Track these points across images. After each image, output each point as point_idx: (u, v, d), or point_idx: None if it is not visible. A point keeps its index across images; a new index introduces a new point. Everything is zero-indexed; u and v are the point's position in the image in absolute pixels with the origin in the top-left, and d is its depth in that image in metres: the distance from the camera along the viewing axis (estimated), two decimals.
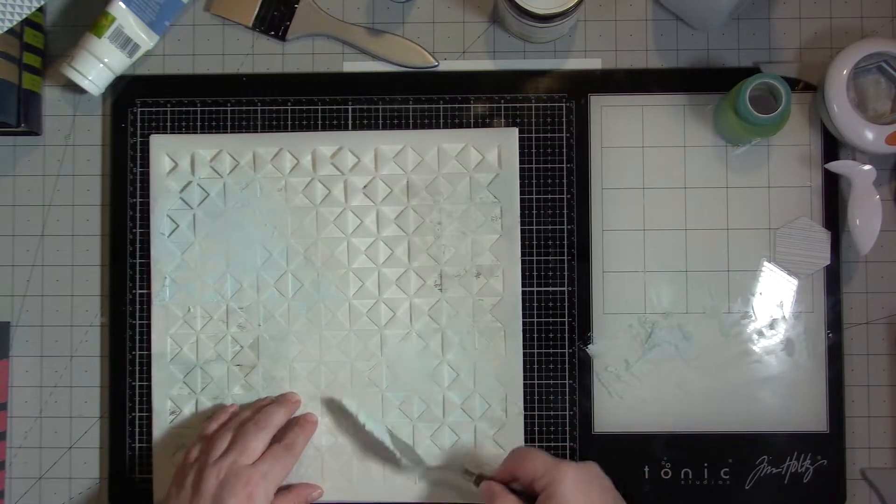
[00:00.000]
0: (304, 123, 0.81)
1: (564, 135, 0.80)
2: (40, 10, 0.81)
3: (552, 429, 0.79)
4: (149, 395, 0.80)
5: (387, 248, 0.80)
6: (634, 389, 0.79)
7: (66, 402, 0.82)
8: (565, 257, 0.80)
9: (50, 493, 0.81)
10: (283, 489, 0.77)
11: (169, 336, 0.80)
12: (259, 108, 0.81)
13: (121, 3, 0.78)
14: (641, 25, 0.82)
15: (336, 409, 0.79)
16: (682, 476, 0.79)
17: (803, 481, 0.78)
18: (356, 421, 0.78)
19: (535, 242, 0.80)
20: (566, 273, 0.80)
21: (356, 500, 0.79)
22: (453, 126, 0.81)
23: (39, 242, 0.82)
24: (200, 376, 0.80)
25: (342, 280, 0.80)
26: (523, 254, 0.80)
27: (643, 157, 0.81)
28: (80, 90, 0.80)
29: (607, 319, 0.80)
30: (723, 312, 0.80)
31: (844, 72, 0.76)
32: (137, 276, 0.81)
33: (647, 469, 0.79)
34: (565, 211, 0.80)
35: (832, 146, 0.80)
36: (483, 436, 0.79)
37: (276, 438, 0.76)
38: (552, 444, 0.79)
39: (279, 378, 0.80)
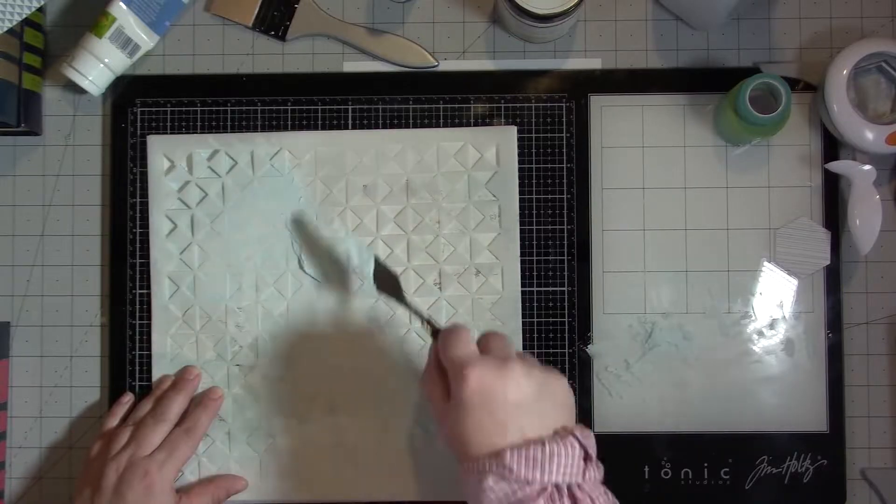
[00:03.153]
0: (304, 123, 0.81)
1: (564, 135, 0.80)
2: (40, 10, 0.81)
3: None
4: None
5: (386, 246, 0.80)
6: (634, 389, 0.79)
7: (66, 402, 0.82)
8: (565, 257, 0.80)
9: (50, 493, 0.81)
10: (203, 481, 0.78)
11: (169, 336, 0.80)
12: (259, 108, 0.81)
13: (121, 4, 0.78)
14: (641, 25, 0.82)
15: (299, 225, 0.79)
16: (682, 476, 0.79)
17: (803, 481, 0.78)
18: (320, 242, 0.77)
19: (534, 242, 0.80)
20: (566, 273, 0.80)
21: (351, 499, 0.79)
22: (453, 126, 0.81)
23: (39, 242, 0.82)
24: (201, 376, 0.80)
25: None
26: (523, 254, 0.80)
27: (643, 157, 0.81)
28: (80, 90, 0.80)
29: (607, 319, 0.80)
30: (723, 312, 0.80)
31: (844, 72, 0.76)
32: (137, 276, 0.81)
33: (647, 469, 0.79)
34: (565, 211, 0.80)
35: (832, 146, 0.80)
36: None
37: (179, 422, 0.77)
38: None
39: (279, 378, 0.80)
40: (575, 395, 0.79)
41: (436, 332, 0.68)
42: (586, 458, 0.62)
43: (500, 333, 0.67)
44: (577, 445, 0.61)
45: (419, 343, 0.80)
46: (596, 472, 0.63)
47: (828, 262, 0.79)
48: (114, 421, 0.78)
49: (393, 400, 0.79)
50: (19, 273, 0.82)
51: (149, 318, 0.81)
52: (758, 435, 0.79)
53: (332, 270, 0.79)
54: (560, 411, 0.64)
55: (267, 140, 0.81)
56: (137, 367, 0.81)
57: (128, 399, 0.80)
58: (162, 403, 0.77)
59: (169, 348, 0.80)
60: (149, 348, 0.80)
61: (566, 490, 0.60)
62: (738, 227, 0.80)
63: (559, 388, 0.65)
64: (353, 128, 0.81)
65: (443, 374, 0.65)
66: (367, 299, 0.80)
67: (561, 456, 0.60)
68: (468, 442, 0.62)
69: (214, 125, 0.81)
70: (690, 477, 0.79)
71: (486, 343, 0.66)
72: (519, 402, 0.62)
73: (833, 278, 0.79)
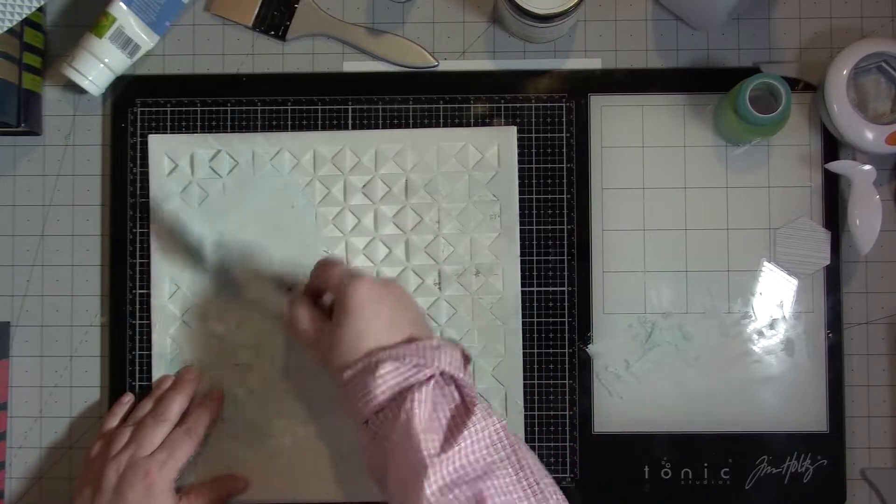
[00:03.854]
0: (304, 123, 0.81)
1: (564, 135, 0.80)
2: (40, 10, 0.81)
3: (552, 429, 0.79)
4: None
5: (385, 247, 0.80)
6: (634, 389, 0.79)
7: (66, 402, 0.82)
8: (565, 257, 0.80)
9: (50, 493, 0.81)
10: (204, 481, 0.78)
11: (169, 336, 0.80)
12: (259, 108, 0.81)
13: (121, 4, 0.78)
14: (641, 25, 0.82)
15: (159, 219, 0.80)
16: (682, 476, 0.79)
17: (803, 481, 0.78)
18: (175, 225, 0.79)
19: (534, 242, 0.80)
20: (566, 273, 0.80)
21: (350, 499, 0.79)
22: (453, 126, 0.81)
23: (39, 242, 0.82)
24: None
25: None
26: (523, 254, 0.80)
27: (643, 157, 0.81)
28: (80, 90, 0.80)
29: (607, 319, 0.80)
30: (723, 312, 0.80)
31: (844, 72, 0.76)
32: (137, 276, 0.81)
33: (647, 469, 0.79)
34: (565, 211, 0.80)
35: (832, 146, 0.80)
36: None
37: (179, 422, 0.77)
38: (552, 443, 0.79)
39: (279, 378, 0.80)
40: (575, 395, 0.79)
41: (289, 287, 0.75)
42: (466, 361, 0.69)
43: (332, 259, 0.73)
44: (457, 348, 0.68)
45: None
46: (471, 379, 0.70)
47: (828, 262, 0.79)
48: (114, 421, 0.78)
49: None
50: (19, 273, 0.82)
51: (149, 318, 0.81)
52: (758, 435, 0.79)
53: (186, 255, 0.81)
54: (406, 313, 0.70)
55: (267, 140, 0.81)
56: (137, 367, 0.81)
57: (128, 399, 0.80)
58: (162, 403, 0.77)
59: (169, 348, 0.80)
60: (149, 348, 0.80)
61: (452, 380, 0.66)
62: (738, 227, 0.80)
63: (424, 313, 0.73)
64: (353, 128, 0.81)
65: (312, 307, 0.71)
66: None
67: (447, 349, 0.67)
68: (358, 344, 0.66)
69: (214, 125, 0.81)
70: (690, 477, 0.79)
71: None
72: (405, 306, 0.69)
73: (833, 278, 0.79)
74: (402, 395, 0.64)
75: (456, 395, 0.65)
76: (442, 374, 0.66)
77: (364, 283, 0.68)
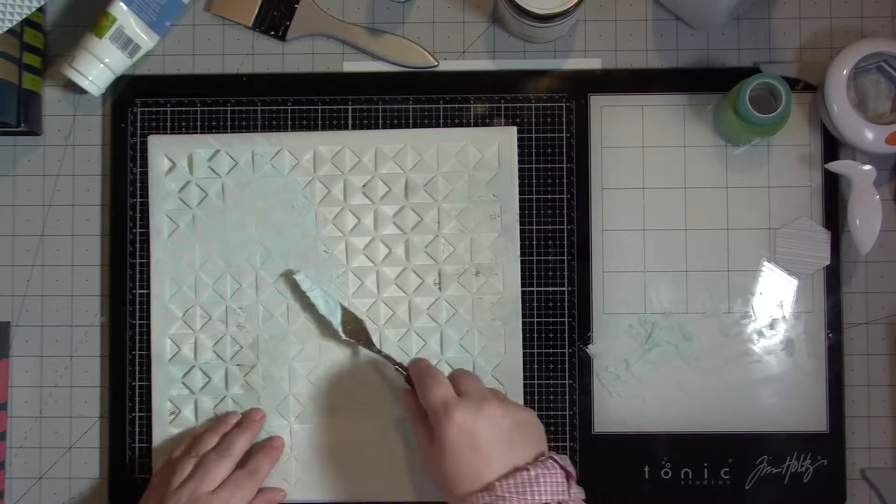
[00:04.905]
0: (304, 123, 0.81)
1: (564, 135, 0.80)
2: (40, 10, 0.81)
3: (552, 429, 0.79)
4: (149, 395, 0.80)
5: (385, 247, 0.80)
6: (634, 389, 0.79)
7: (66, 402, 0.82)
8: (565, 257, 0.80)
9: (50, 493, 0.81)
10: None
11: (168, 336, 0.80)
12: (259, 108, 0.81)
13: (122, 4, 0.78)
14: (641, 25, 0.82)
15: (292, 285, 0.80)
16: (682, 476, 0.79)
17: (803, 481, 0.78)
18: (307, 295, 0.79)
19: (534, 242, 0.80)
20: (566, 273, 0.80)
21: (351, 499, 0.79)
22: (453, 126, 0.81)
23: (39, 242, 0.82)
24: (200, 376, 0.80)
25: (341, 279, 0.80)
26: (523, 254, 0.80)
27: (643, 157, 0.81)
28: (80, 90, 0.80)
29: (607, 319, 0.80)
30: (723, 312, 0.80)
31: (844, 72, 0.76)
32: (137, 276, 0.81)
33: (647, 469, 0.79)
34: (565, 211, 0.80)
35: (832, 146, 0.80)
36: None
37: (241, 463, 0.76)
38: (552, 444, 0.79)
39: (279, 378, 0.80)
40: (575, 395, 0.79)
41: (408, 378, 0.74)
42: (567, 476, 0.67)
43: (470, 373, 0.73)
44: (557, 466, 0.67)
45: (419, 342, 0.80)
46: (579, 490, 0.68)
47: (828, 262, 0.79)
48: (180, 453, 0.78)
49: (393, 400, 0.79)
50: (19, 273, 0.82)
51: (149, 318, 0.81)
52: (758, 435, 0.79)
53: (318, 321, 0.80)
54: (535, 440, 0.70)
55: (267, 140, 0.81)
56: (137, 367, 0.81)
57: (199, 433, 0.79)
58: (227, 440, 0.76)
59: (169, 348, 0.80)
60: (149, 348, 0.80)
61: None
62: (738, 227, 0.80)
63: (531, 419, 0.70)
64: (353, 128, 0.81)
65: (423, 417, 0.70)
66: (366, 298, 0.80)
67: (545, 477, 0.66)
68: (457, 480, 0.67)
69: (214, 125, 0.81)
70: (690, 477, 0.79)
71: (458, 383, 0.71)
72: (500, 437, 0.67)
73: (833, 278, 0.79)
74: None
75: None
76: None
77: (457, 418, 0.67)
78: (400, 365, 0.76)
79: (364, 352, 0.79)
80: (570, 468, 0.68)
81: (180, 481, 0.74)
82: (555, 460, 0.67)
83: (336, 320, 0.78)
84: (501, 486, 0.65)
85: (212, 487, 0.73)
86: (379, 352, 0.78)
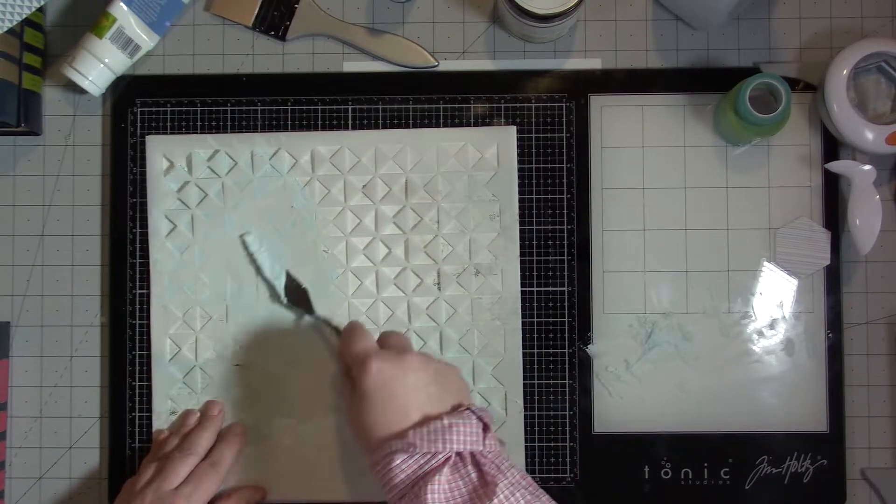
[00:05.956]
0: (304, 123, 0.81)
1: (564, 135, 0.80)
2: (40, 10, 0.81)
3: (552, 429, 0.79)
4: (149, 395, 0.80)
5: (385, 247, 0.80)
6: (634, 389, 0.79)
7: (66, 402, 0.82)
8: (565, 257, 0.80)
9: (50, 493, 0.81)
10: (223, 495, 0.77)
11: (169, 336, 0.80)
12: (259, 108, 0.81)
13: (122, 4, 0.78)
14: (641, 25, 0.82)
15: (243, 245, 0.80)
16: (682, 476, 0.79)
17: (803, 481, 0.78)
18: (256, 258, 0.79)
19: (534, 242, 0.80)
20: (566, 273, 0.80)
21: (350, 499, 0.79)
22: (453, 126, 0.81)
23: (39, 242, 0.82)
24: (200, 376, 0.80)
25: (341, 279, 0.80)
26: (523, 254, 0.80)
27: (643, 157, 0.81)
28: (80, 90, 0.80)
29: (607, 319, 0.80)
30: (723, 312, 0.80)
31: (844, 72, 0.76)
32: (137, 276, 0.81)
33: (647, 469, 0.79)
34: (565, 211, 0.80)
35: (832, 146, 0.80)
36: None
37: (205, 456, 0.76)
38: (552, 443, 0.79)
39: (279, 378, 0.80)
40: (575, 395, 0.79)
41: (339, 331, 0.75)
42: (485, 429, 0.66)
43: (397, 332, 0.73)
44: (473, 417, 0.66)
45: (418, 342, 0.80)
46: (496, 442, 0.67)
47: (828, 262, 0.79)
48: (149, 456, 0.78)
49: None
50: (19, 273, 0.82)
51: (149, 318, 0.81)
52: (758, 435, 0.79)
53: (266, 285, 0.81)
54: (455, 393, 0.69)
55: (266, 140, 0.81)
56: (137, 367, 0.81)
57: (162, 436, 0.79)
58: (188, 438, 0.77)
59: (169, 348, 0.80)
60: (149, 348, 0.80)
61: (470, 457, 0.65)
62: (738, 227, 0.80)
63: (452, 374, 0.70)
64: (353, 128, 0.81)
65: (348, 370, 0.71)
66: (365, 298, 0.80)
67: (459, 426, 0.65)
68: (373, 428, 0.67)
69: (214, 125, 0.81)
70: (690, 477, 0.79)
71: (384, 339, 0.72)
72: (416, 387, 0.67)
73: (833, 278, 0.79)
74: (419, 483, 0.64)
75: (474, 475, 0.65)
76: (459, 454, 0.65)
77: (373, 367, 0.67)
78: (336, 328, 0.77)
79: None
80: (488, 419, 0.67)
81: (144, 482, 0.74)
82: (472, 411, 0.67)
83: (280, 283, 0.79)
84: (414, 434, 0.65)
85: (175, 484, 0.73)
86: (317, 317, 0.79)
